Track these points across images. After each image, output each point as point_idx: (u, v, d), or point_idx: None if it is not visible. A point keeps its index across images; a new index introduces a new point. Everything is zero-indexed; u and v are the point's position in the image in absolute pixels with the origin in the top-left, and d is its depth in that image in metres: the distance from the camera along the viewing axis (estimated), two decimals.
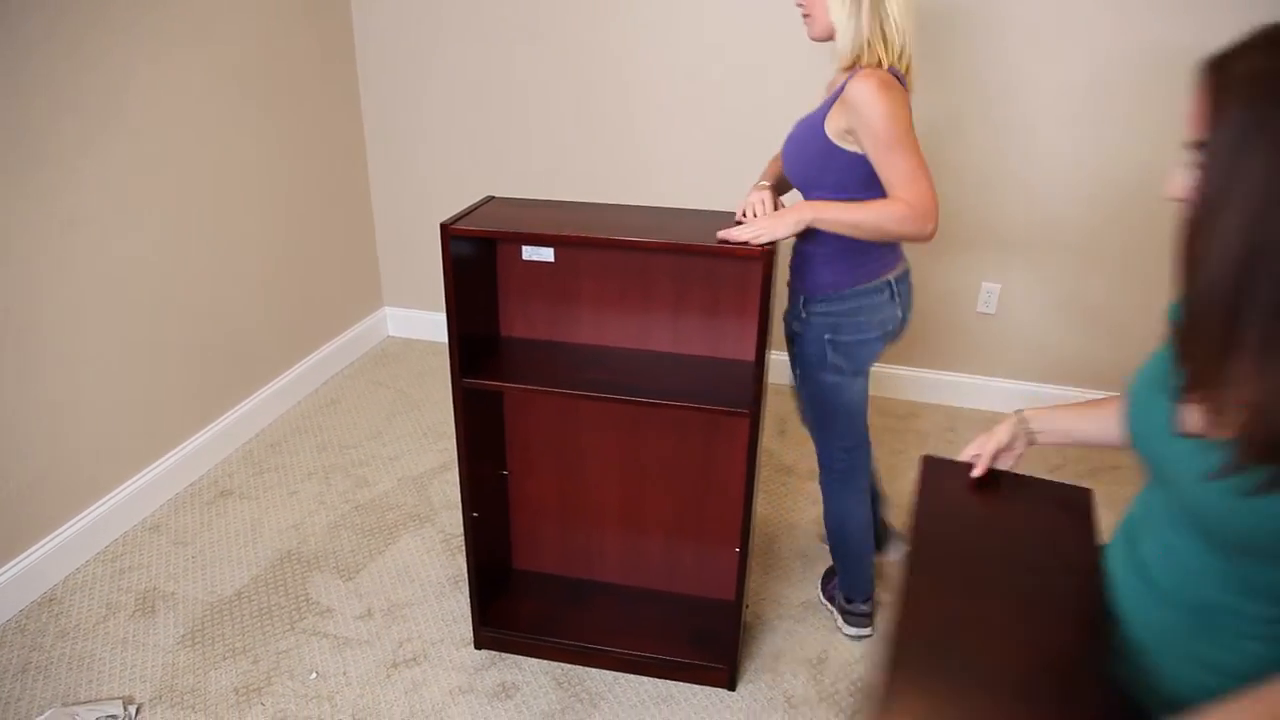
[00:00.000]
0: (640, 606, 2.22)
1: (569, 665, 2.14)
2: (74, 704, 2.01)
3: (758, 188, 1.91)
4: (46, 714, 1.96)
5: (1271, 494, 0.88)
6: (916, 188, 1.67)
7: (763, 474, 2.89)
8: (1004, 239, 3.03)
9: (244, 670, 2.12)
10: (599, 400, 1.85)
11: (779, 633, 2.24)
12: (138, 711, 2.01)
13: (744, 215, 1.83)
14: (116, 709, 1.98)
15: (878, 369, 3.33)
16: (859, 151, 1.74)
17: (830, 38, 1.78)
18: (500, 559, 2.29)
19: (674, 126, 3.19)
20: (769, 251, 1.65)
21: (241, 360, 3.04)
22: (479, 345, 2.02)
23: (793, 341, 2.01)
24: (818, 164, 1.82)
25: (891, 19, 1.70)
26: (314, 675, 2.10)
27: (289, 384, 3.27)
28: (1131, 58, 2.71)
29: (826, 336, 1.92)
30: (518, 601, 2.24)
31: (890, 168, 1.69)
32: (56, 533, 2.40)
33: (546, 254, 1.99)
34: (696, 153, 3.21)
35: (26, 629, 2.25)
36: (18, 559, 2.30)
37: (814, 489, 2.80)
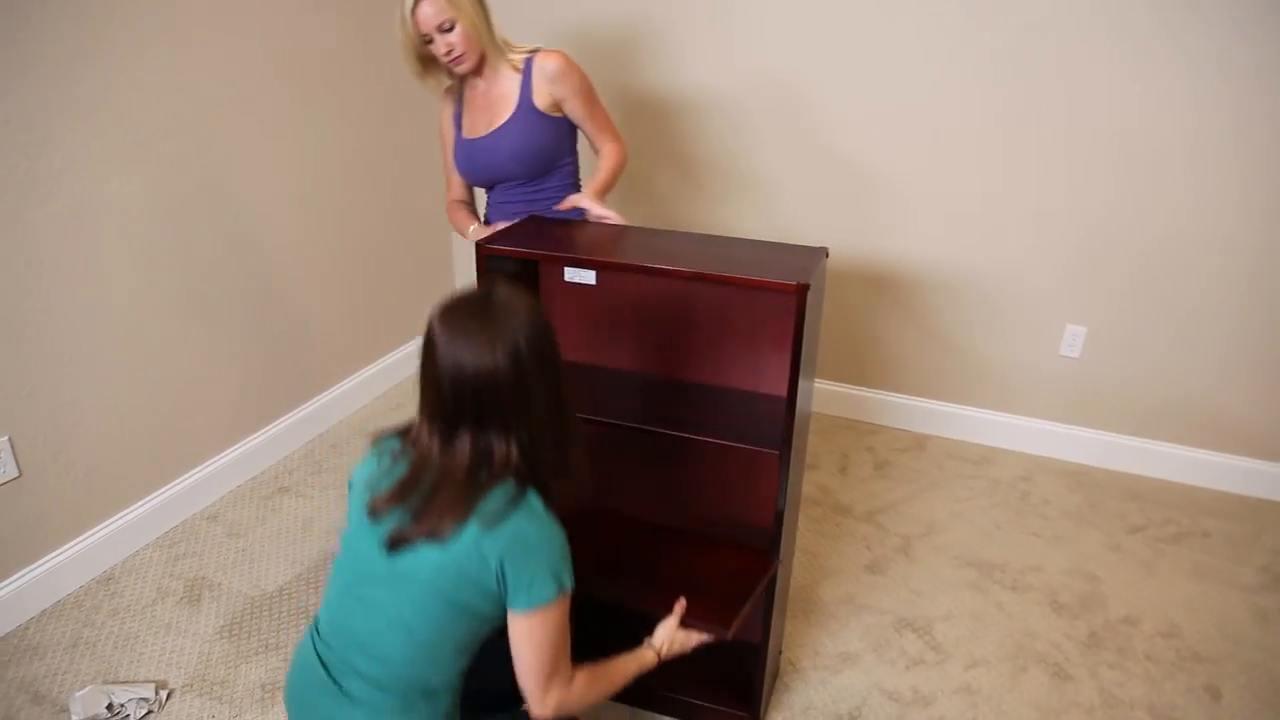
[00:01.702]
0: None
1: None
2: (111, 683, 2.08)
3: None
4: (86, 689, 2.04)
5: None
6: (614, 129, 2.25)
7: (815, 512, 2.78)
8: (1091, 280, 2.85)
9: (273, 667, 2.16)
10: (627, 429, 1.80)
11: (812, 683, 2.14)
12: (168, 697, 2.07)
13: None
14: (149, 692, 2.04)
15: (950, 408, 3.18)
16: (563, 115, 2.17)
17: (482, 60, 2.11)
18: None
19: (771, 145, 3.14)
20: (803, 286, 1.58)
21: (311, 361, 3.12)
22: None
23: None
24: (554, 140, 2.17)
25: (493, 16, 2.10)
26: None
27: (355, 387, 3.34)
28: (1245, 102, 2.51)
29: None
30: None
31: (597, 118, 2.20)
32: (120, 515, 2.50)
33: (589, 277, 1.96)
34: (795, 178, 3.14)
35: (83, 605, 2.35)
36: (82, 537, 2.41)
37: (869, 532, 2.68)
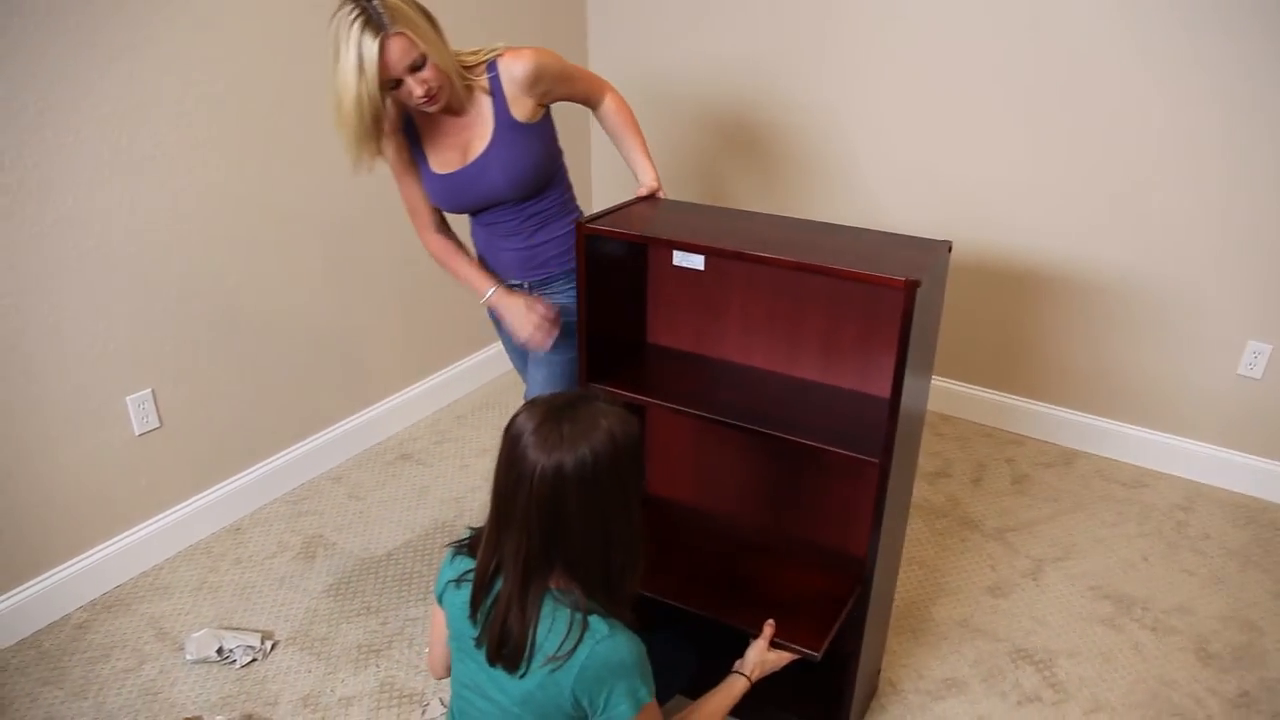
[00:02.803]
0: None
1: None
2: (224, 628, 2.19)
3: (524, 297, 1.94)
4: (202, 632, 2.17)
5: None
6: (598, 78, 1.98)
7: (939, 523, 2.60)
8: None
9: (372, 630, 2.22)
10: (723, 425, 1.72)
11: (911, 708, 2.00)
12: (273, 647, 2.16)
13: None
14: (256, 641, 2.14)
15: (1104, 423, 2.90)
16: (543, 117, 1.87)
17: (450, 88, 1.73)
18: None
19: (903, 136, 2.95)
20: (913, 283, 1.44)
21: (440, 334, 3.20)
22: (622, 350, 1.96)
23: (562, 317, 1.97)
24: (545, 150, 1.87)
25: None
26: (429, 650, 2.15)
27: (485, 360, 3.40)
28: None
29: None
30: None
31: (581, 83, 1.93)
32: (251, 469, 2.65)
33: (697, 261, 1.88)
34: (917, 168, 2.94)
35: (211, 551, 2.50)
36: (216, 488, 2.56)
37: (996, 551, 2.48)
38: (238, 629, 2.20)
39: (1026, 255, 2.85)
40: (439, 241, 2.00)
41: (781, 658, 1.62)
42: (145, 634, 2.21)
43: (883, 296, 1.69)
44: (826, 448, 1.62)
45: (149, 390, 2.33)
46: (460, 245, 2.03)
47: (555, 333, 1.92)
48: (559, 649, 1.21)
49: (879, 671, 2.06)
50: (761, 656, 1.59)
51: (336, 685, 2.06)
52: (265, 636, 2.18)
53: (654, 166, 1.99)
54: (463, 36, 1.86)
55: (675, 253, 1.89)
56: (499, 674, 1.26)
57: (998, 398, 3.07)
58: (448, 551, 1.39)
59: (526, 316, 1.90)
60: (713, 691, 1.54)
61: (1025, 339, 2.95)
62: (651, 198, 1.96)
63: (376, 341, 2.94)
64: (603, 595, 1.26)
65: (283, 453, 2.73)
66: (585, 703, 1.24)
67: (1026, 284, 2.88)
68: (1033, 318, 2.91)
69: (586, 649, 1.21)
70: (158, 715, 1.98)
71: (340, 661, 2.12)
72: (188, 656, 2.11)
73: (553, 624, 1.22)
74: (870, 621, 1.79)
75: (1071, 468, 2.88)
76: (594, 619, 1.23)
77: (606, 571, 1.26)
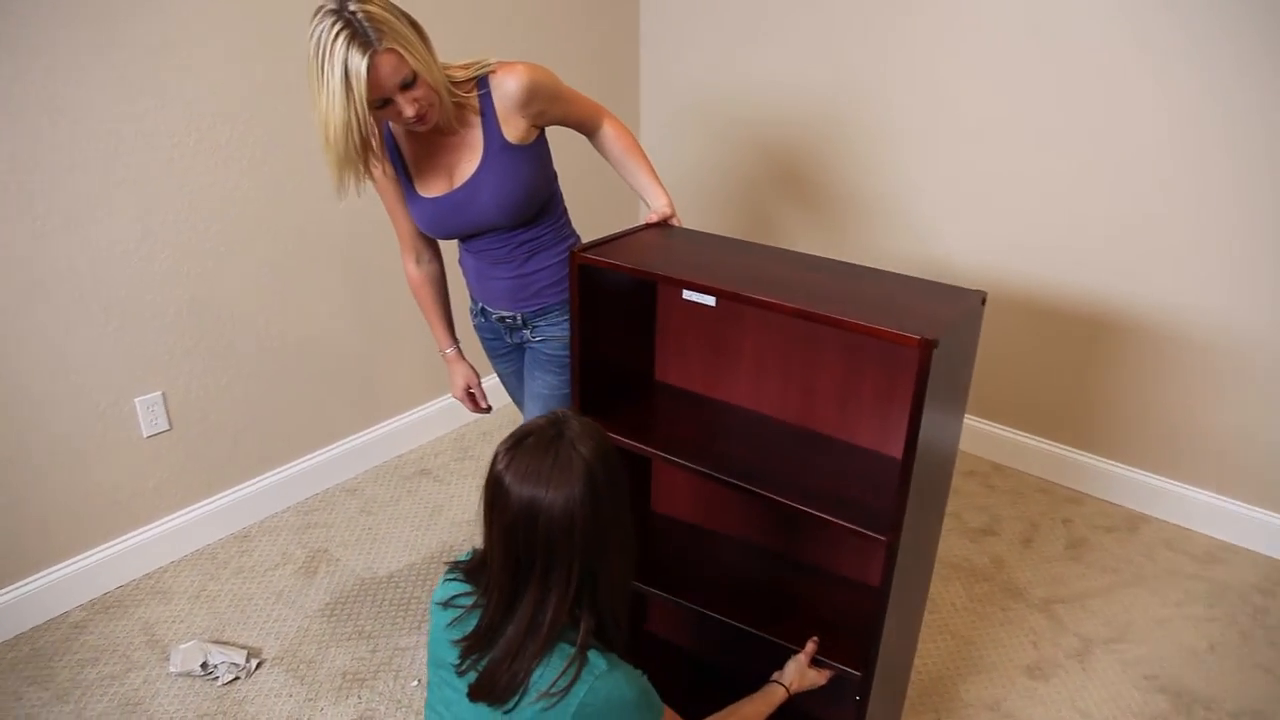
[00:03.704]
0: None
1: None
2: (211, 642, 2.14)
3: (466, 367, 2.03)
4: (190, 644, 2.11)
5: None
6: (595, 104, 1.85)
7: (979, 588, 2.38)
8: None
9: (360, 656, 2.13)
10: (718, 482, 1.57)
11: None
12: (257, 666, 2.10)
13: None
14: (240, 658, 2.08)
15: (1178, 488, 2.63)
16: (537, 139, 1.74)
17: (440, 106, 1.60)
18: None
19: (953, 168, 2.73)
20: (928, 342, 1.26)
21: (471, 347, 3.10)
22: (625, 387, 1.83)
23: (541, 347, 1.90)
24: (538, 173, 1.74)
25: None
26: (415, 683, 2.06)
27: None
28: None
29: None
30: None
31: (577, 106, 1.79)
32: (262, 477, 2.60)
33: (708, 298, 1.73)
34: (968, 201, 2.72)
35: (215, 558, 2.46)
36: (225, 493, 2.52)
37: (1040, 625, 2.25)
38: (225, 644, 2.14)
39: (1099, 298, 2.60)
40: (418, 275, 1.92)
41: (821, 674, 1.60)
42: (137, 639, 2.17)
43: (901, 351, 1.51)
44: (832, 520, 1.45)
45: (159, 393, 2.30)
46: (439, 283, 1.96)
47: (476, 408, 2.07)
48: (553, 685, 1.12)
49: None
50: (802, 671, 1.58)
51: (314, 714, 1.97)
52: (252, 654, 2.11)
53: (665, 191, 1.84)
54: (511, 54, 1.77)
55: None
56: (482, 709, 1.17)
57: (1059, 450, 2.82)
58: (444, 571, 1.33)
59: (459, 387, 2.03)
60: (750, 697, 1.53)
61: (1094, 388, 2.69)
62: (663, 224, 1.82)
63: (400, 355, 2.86)
64: (600, 626, 1.20)
65: (296, 461, 2.68)
66: None
67: (1099, 328, 2.63)
68: (1103, 365, 2.65)
69: (585, 685, 1.13)
70: None
71: (323, 688, 2.04)
72: (171, 669, 2.06)
73: (549, 659, 1.14)
74: (880, 690, 1.61)
75: (1136, 534, 2.62)
76: (592, 654, 1.16)
77: (609, 601, 1.20)
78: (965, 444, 3.01)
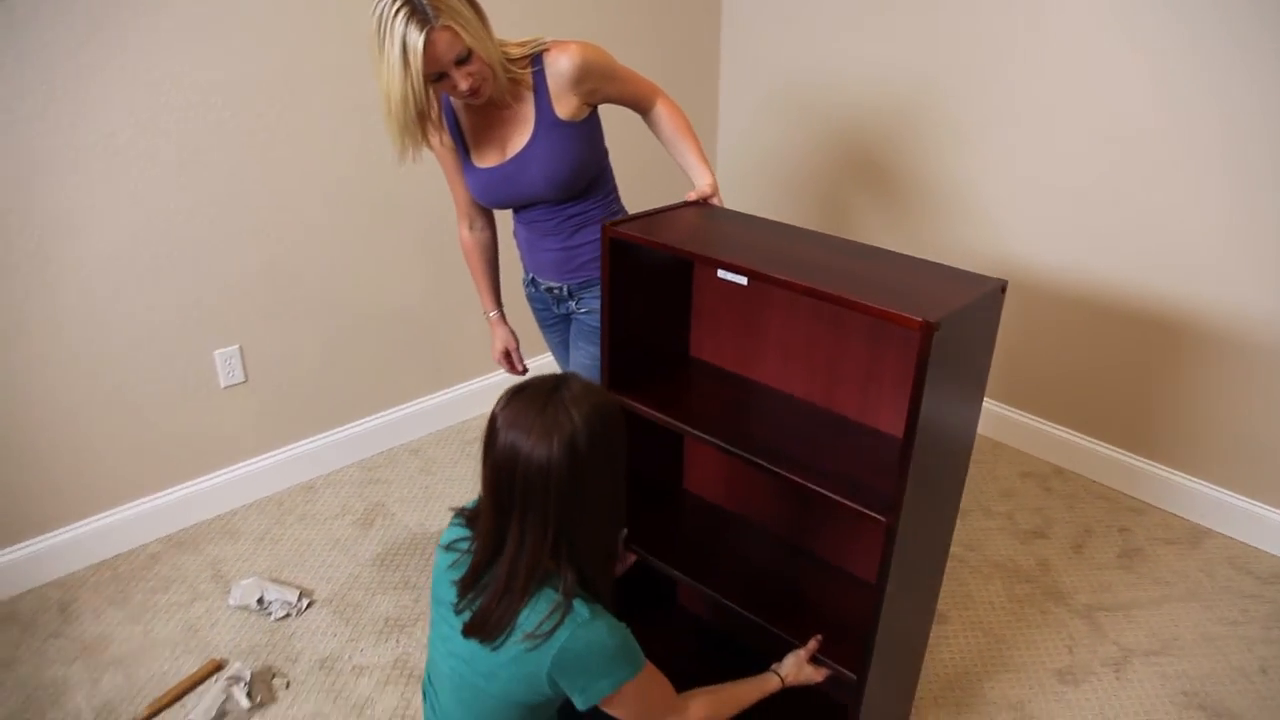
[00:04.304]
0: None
1: None
2: (270, 580, 2.29)
3: (507, 331, 2.11)
4: (249, 580, 2.27)
5: None
6: (650, 82, 1.89)
7: (1020, 589, 2.33)
8: None
9: (403, 605, 2.25)
10: (737, 457, 1.60)
11: None
12: (308, 606, 2.24)
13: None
14: (293, 597, 2.23)
15: (1249, 505, 2.52)
16: (589, 116, 1.80)
17: (495, 81, 1.67)
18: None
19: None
20: (929, 324, 1.27)
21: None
22: (660, 362, 1.88)
23: (585, 318, 1.97)
24: (588, 149, 1.80)
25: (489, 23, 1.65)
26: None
27: None
28: None
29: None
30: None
31: (631, 86, 1.84)
32: (330, 432, 2.76)
33: (740, 276, 1.76)
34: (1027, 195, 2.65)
35: (282, 504, 2.63)
36: (292, 445, 2.69)
37: (1079, 630, 2.20)
38: (282, 583, 2.29)
39: (1171, 302, 2.50)
40: (470, 241, 2.03)
41: (819, 672, 1.61)
42: (204, 573, 2.35)
43: (915, 337, 1.51)
44: (838, 499, 1.47)
45: (236, 347, 2.47)
46: (490, 249, 2.05)
47: (512, 369, 2.16)
48: (538, 628, 1.20)
49: None
50: (800, 665, 1.60)
51: (355, 653, 2.10)
52: (305, 594, 2.26)
53: (711, 171, 1.87)
54: (597, 37, 1.85)
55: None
56: (473, 644, 1.26)
57: (1123, 457, 2.73)
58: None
59: (498, 349, 2.12)
60: (745, 680, 1.56)
61: (1162, 394, 2.59)
62: (703, 203, 1.86)
63: (470, 325, 2.97)
64: (584, 578, 1.26)
65: (364, 420, 2.82)
66: (563, 683, 1.24)
67: (1170, 333, 2.53)
68: (1175, 372, 2.55)
69: (567, 631, 1.21)
70: (192, 652, 2.10)
71: (365, 630, 2.17)
72: (230, 601, 2.23)
73: (535, 603, 1.22)
74: (881, 685, 1.63)
75: (1197, 549, 2.51)
76: (577, 602, 1.23)
77: (591, 554, 1.27)
78: (1025, 444, 2.94)
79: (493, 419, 1.24)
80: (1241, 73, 2.23)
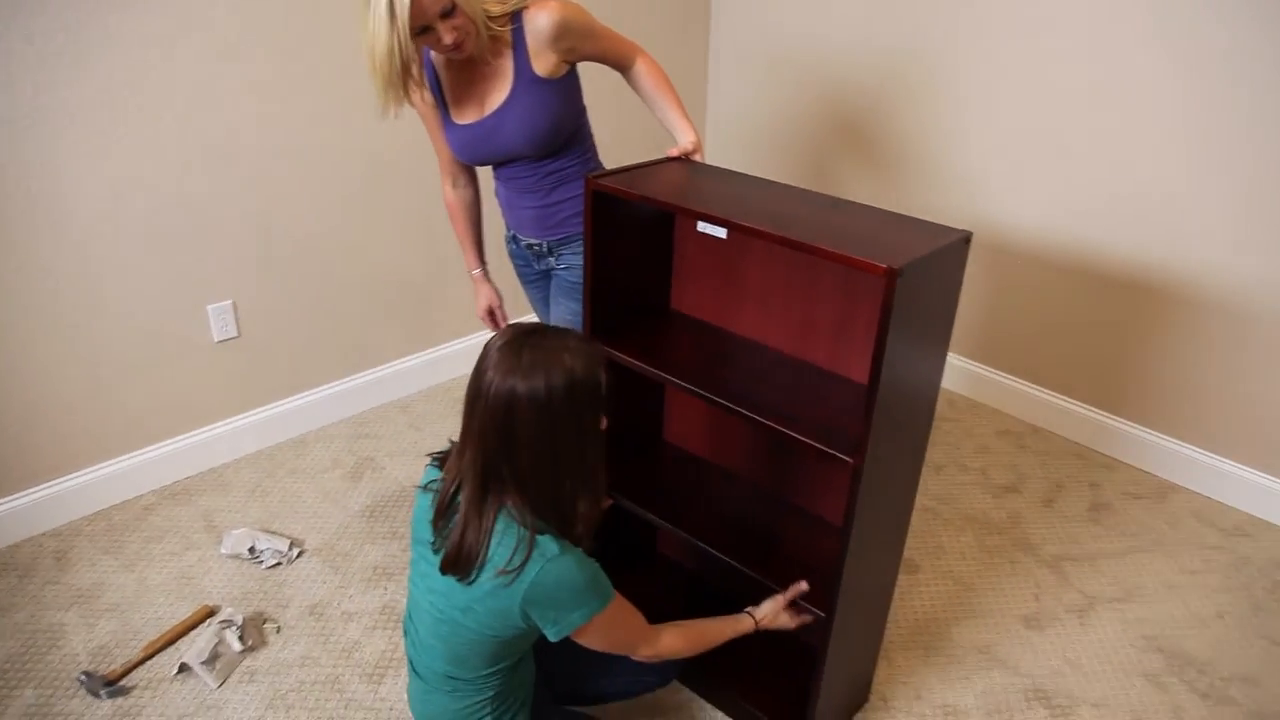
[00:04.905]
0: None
1: None
2: (260, 530, 2.35)
3: (490, 289, 2.16)
4: (241, 530, 2.33)
5: None
6: (629, 41, 1.90)
7: (991, 540, 2.41)
8: None
9: (391, 554, 2.31)
10: (710, 403, 1.66)
11: None
12: (298, 555, 2.30)
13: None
14: (284, 546, 2.29)
15: (1215, 461, 2.59)
16: (567, 74, 1.82)
17: (476, 36, 1.70)
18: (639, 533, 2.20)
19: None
20: (893, 270, 1.32)
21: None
22: (641, 314, 1.93)
23: (564, 274, 2.02)
24: (565, 107, 1.83)
25: None
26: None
27: None
28: None
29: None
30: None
31: (611, 45, 1.86)
32: (322, 388, 2.81)
33: (719, 230, 1.81)
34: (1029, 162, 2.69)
35: (274, 458, 2.68)
36: (285, 400, 2.74)
37: (1046, 579, 2.27)
38: (273, 533, 2.35)
39: (1143, 264, 2.55)
40: (454, 198, 2.07)
41: (794, 619, 1.65)
42: (197, 524, 2.40)
43: (881, 283, 1.56)
44: (808, 442, 1.53)
45: (230, 302, 2.51)
46: (473, 207, 2.09)
47: (495, 326, 2.19)
48: (508, 563, 1.26)
49: (869, 684, 1.95)
50: (776, 611, 1.64)
51: (344, 600, 2.17)
52: (295, 544, 2.32)
53: (693, 127, 1.91)
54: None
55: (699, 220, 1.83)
56: (450, 581, 1.32)
57: (1096, 415, 2.80)
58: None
59: (482, 307, 2.16)
60: (718, 618, 1.61)
61: (1136, 355, 2.66)
62: (685, 159, 1.90)
63: (460, 283, 3.01)
64: (554, 517, 1.32)
65: (355, 376, 2.87)
66: (535, 616, 1.30)
67: (1143, 294, 2.59)
68: (1147, 332, 2.61)
69: (536, 566, 1.26)
70: (185, 599, 2.16)
71: (354, 578, 2.23)
72: (223, 550, 2.29)
73: (503, 538, 1.28)
74: (848, 627, 1.69)
75: (1164, 503, 2.59)
76: (544, 538, 1.28)
77: (557, 494, 1.31)
78: (1002, 404, 3.01)
79: (487, 346, 1.30)
80: (1213, 25, 2.27)
